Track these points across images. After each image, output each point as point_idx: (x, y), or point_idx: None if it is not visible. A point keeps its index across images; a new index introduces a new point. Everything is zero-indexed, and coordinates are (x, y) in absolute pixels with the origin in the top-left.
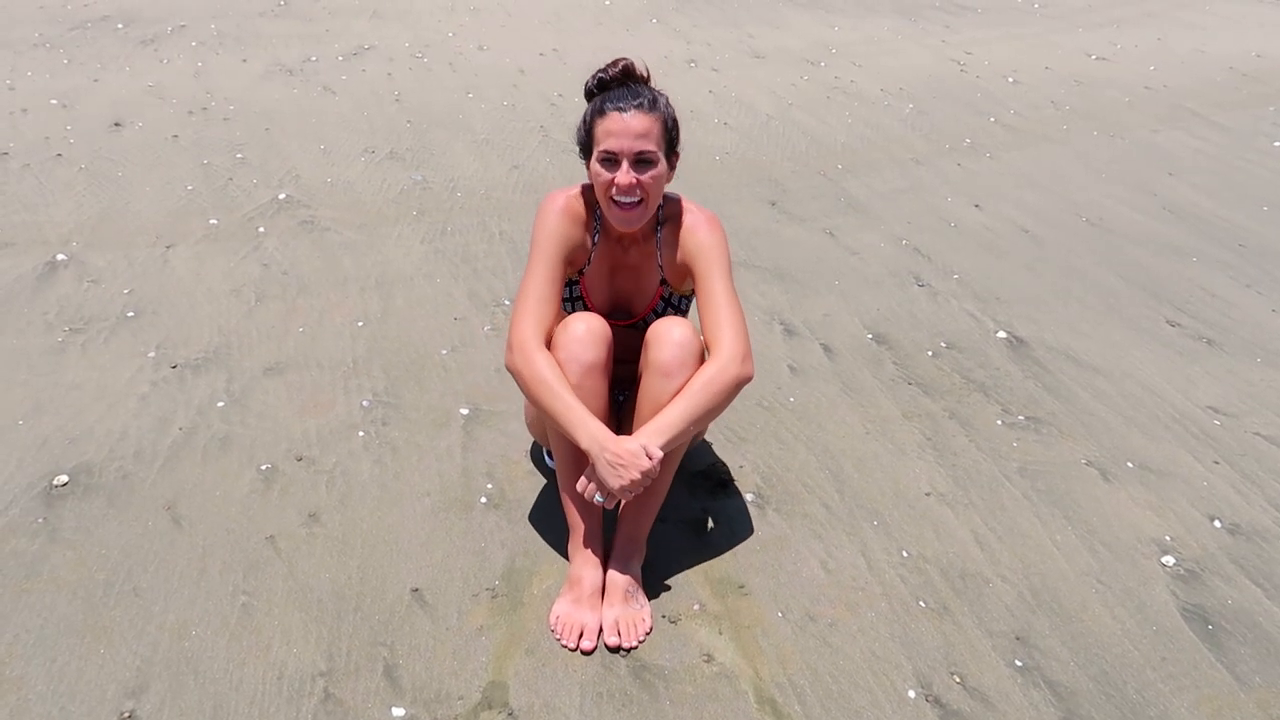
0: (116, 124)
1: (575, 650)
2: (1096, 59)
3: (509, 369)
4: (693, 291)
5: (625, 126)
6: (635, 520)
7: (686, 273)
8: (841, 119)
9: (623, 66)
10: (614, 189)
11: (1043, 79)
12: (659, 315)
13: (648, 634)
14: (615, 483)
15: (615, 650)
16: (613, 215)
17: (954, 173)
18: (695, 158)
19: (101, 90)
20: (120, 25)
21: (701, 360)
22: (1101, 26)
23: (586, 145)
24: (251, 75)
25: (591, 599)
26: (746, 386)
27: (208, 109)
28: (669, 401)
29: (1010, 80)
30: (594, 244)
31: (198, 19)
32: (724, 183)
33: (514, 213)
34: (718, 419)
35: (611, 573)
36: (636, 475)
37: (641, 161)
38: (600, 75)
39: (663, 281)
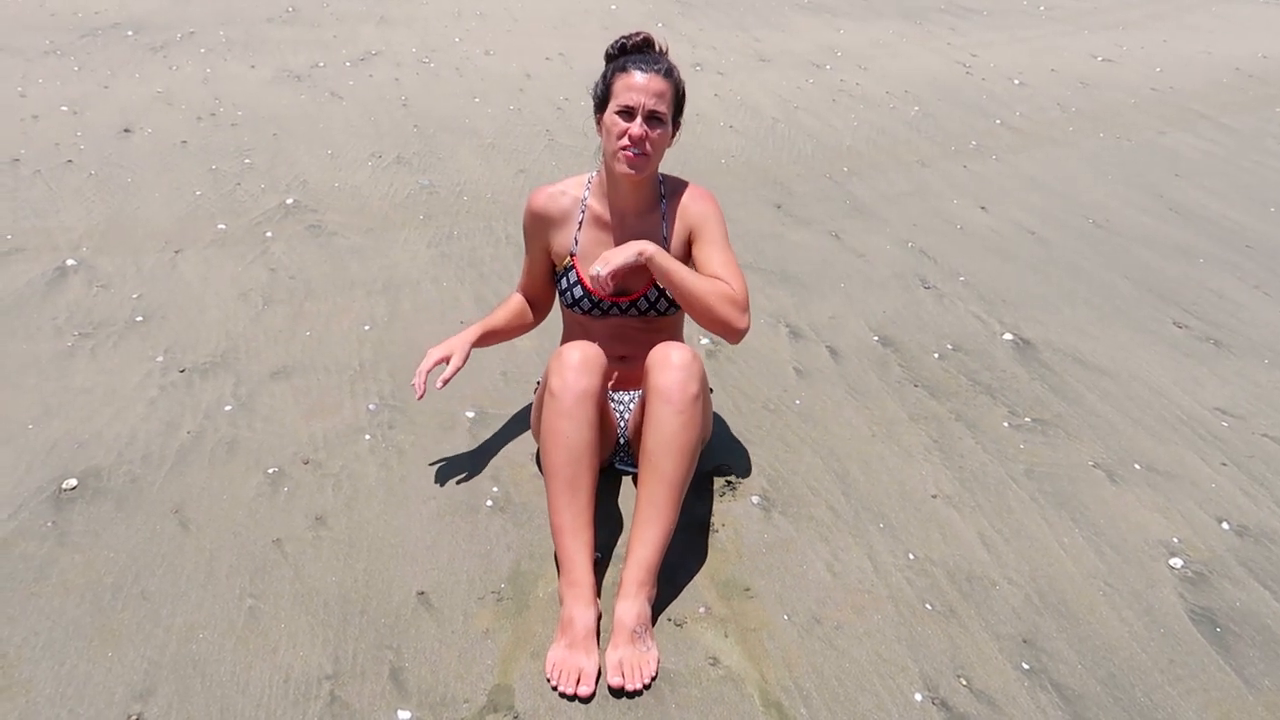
0: (126, 130)
1: (573, 698)
2: (1102, 61)
3: None
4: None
5: (645, 84)
6: (645, 551)
7: (687, 244)
8: (847, 122)
9: (644, 36)
10: (626, 138)
11: (1048, 81)
12: (660, 291)
13: (653, 679)
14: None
15: (618, 693)
16: (620, 162)
17: (960, 175)
18: (701, 160)
19: (111, 97)
20: (130, 32)
21: (703, 383)
22: (1107, 29)
23: (603, 100)
24: (259, 81)
25: (586, 641)
26: (749, 382)
27: (216, 115)
28: (672, 426)
29: (1016, 82)
30: (580, 228)
31: (206, 26)
32: (730, 185)
33: (520, 217)
34: (719, 420)
35: (619, 611)
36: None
37: (653, 118)
38: (623, 40)
39: None
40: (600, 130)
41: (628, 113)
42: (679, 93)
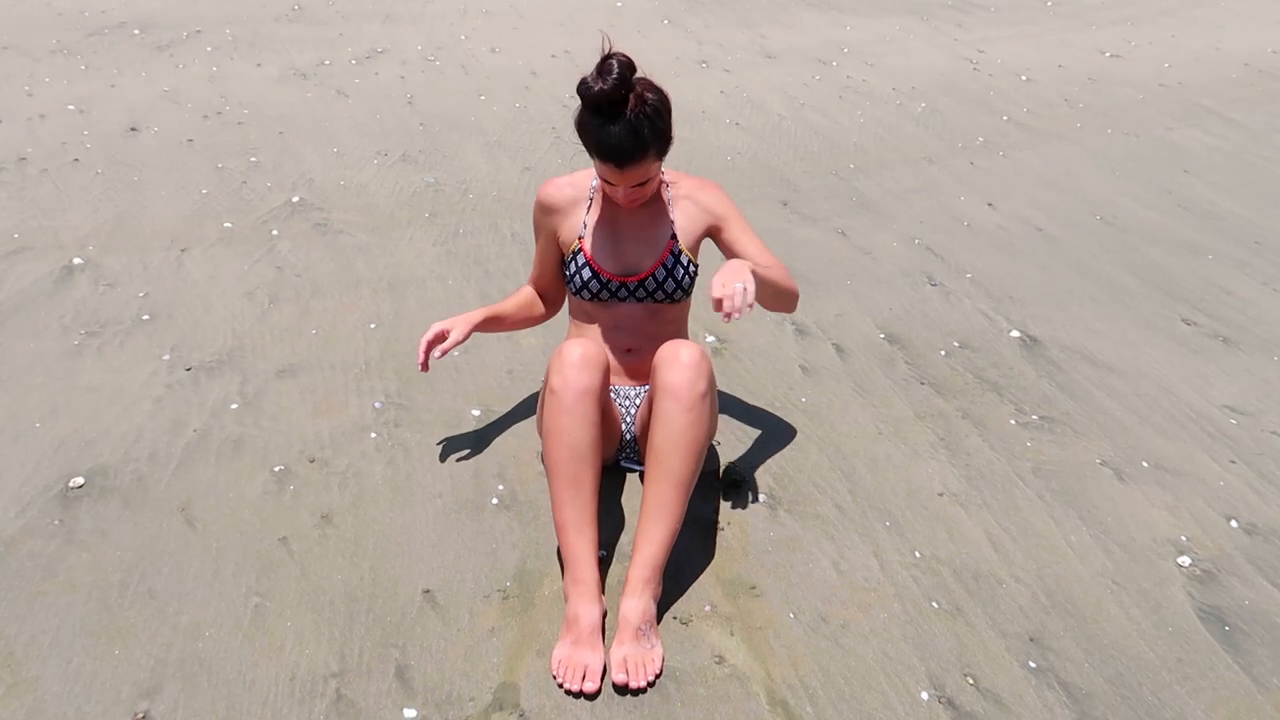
0: (132, 129)
1: (578, 694)
2: (1110, 56)
3: None
4: (697, 265)
5: (622, 175)
6: (651, 549)
7: (700, 231)
8: (854, 118)
9: (613, 89)
10: (615, 198)
11: (1056, 77)
12: (668, 270)
13: (657, 677)
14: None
15: (622, 690)
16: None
17: (967, 172)
18: (706, 158)
19: (118, 95)
20: (137, 31)
21: (711, 381)
22: (1115, 24)
23: (587, 149)
24: (266, 79)
25: (591, 638)
26: (755, 380)
27: (222, 113)
28: (680, 424)
29: (1023, 78)
30: (589, 211)
31: (213, 24)
32: (736, 183)
33: (526, 214)
34: (725, 417)
35: (624, 608)
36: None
37: (639, 184)
38: (592, 93)
39: (673, 235)
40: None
41: (612, 183)
42: (664, 144)
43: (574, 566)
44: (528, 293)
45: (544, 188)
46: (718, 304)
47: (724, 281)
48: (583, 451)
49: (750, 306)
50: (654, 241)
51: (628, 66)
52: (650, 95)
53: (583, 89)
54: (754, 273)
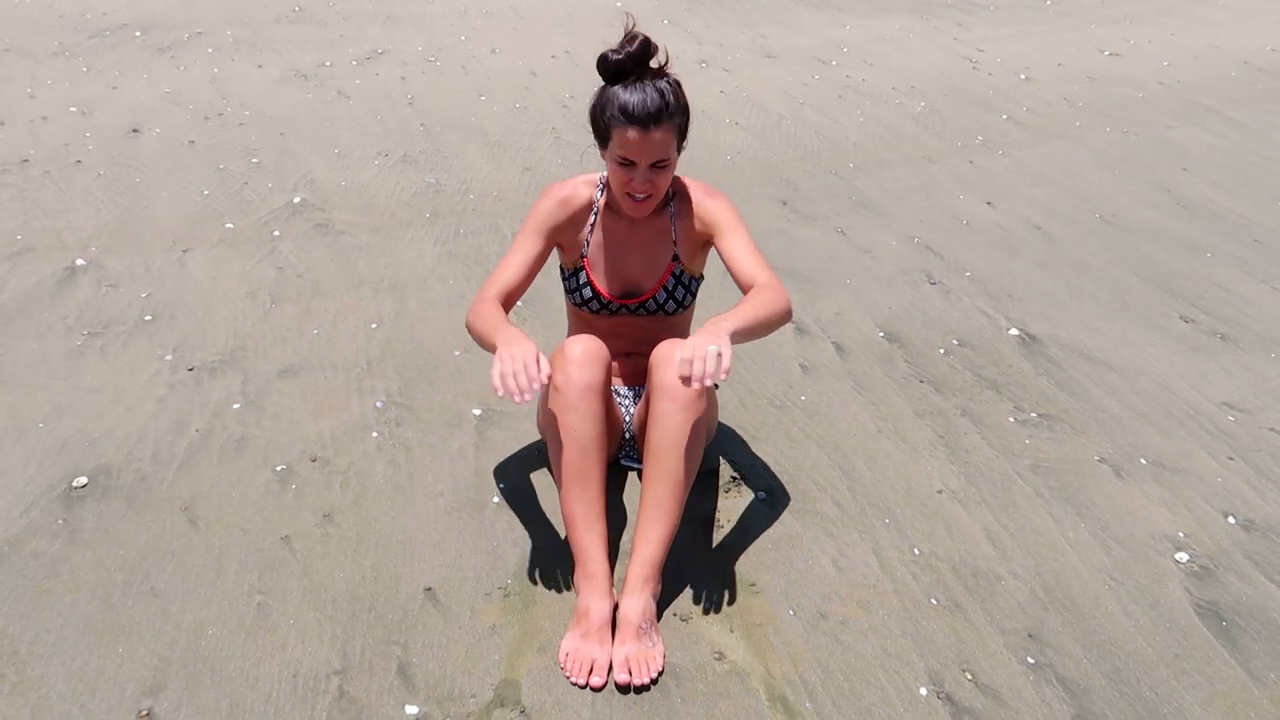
0: (134, 130)
1: (585, 687)
2: (1110, 55)
3: (466, 325)
4: (701, 276)
5: (645, 142)
6: (650, 548)
7: (700, 246)
8: (853, 118)
9: (637, 49)
10: (630, 187)
11: (1055, 76)
12: (669, 293)
13: (660, 674)
14: (496, 381)
15: (625, 689)
16: (626, 206)
17: (966, 171)
18: (706, 158)
19: (120, 97)
20: (138, 33)
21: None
22: (1115, 22)
23: (603, 137)
24: (267, 80)
25: (600, 632)
26: (755, 378)
27: (224, 114)
28: (676, 423)
29: (1023, 77)
30: (591, 229)
31: (214, 26)
32: (736, 182)
33: (525, 213)
34: (724, 415)
35: (624, 607)
36: (521, 378)
37: (657, 166)
38: (616, 58)
39: (675, 258)
40: (604, 157)
41: (629, 164)
42: (683, 123)
43: (585, 561)
44: (499, 306)
45: (558, 188)
46: (685, 381)
47: (693, 352)
48: (588, 447)
49: (726, 374)
50: (655, 263)
51: (647, 41)
52: (670, 72)
53: (603, 61)
54: (735, 330)
